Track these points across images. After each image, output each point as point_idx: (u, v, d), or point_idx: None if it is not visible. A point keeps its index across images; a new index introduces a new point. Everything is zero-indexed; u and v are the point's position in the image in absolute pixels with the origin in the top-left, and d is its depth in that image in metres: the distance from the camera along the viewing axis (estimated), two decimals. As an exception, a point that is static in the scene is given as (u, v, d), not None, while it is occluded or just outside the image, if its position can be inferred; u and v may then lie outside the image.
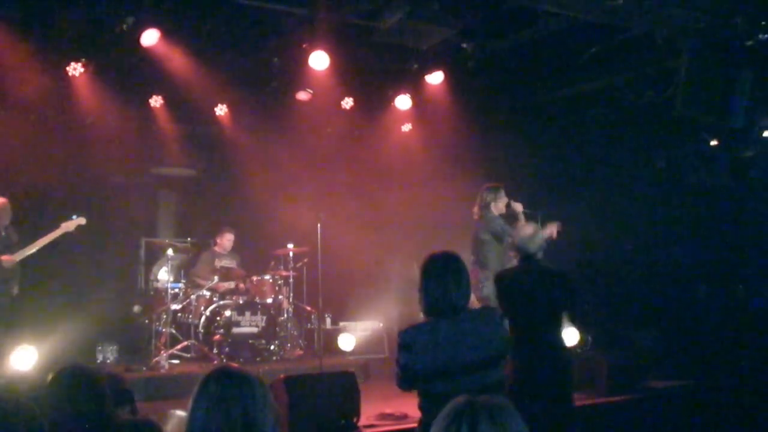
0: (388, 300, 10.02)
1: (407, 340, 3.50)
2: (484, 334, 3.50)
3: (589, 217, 9.20)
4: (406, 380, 3.53)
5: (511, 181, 9.26)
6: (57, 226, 7.56)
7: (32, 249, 7.39)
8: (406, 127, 10.72)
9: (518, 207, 7.04)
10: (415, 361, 3.47)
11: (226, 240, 9.69)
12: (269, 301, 9.22)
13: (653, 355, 7.79)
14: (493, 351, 3.51)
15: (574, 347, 8.49)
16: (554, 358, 4.73)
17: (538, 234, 5.11)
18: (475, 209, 7.18)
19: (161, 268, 9.89)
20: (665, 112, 7.56)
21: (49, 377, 3.06)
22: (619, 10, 6.29)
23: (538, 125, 9.96)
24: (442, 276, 3.52)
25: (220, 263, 9.49)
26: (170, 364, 8.22)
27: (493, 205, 7.06)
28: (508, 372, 3.75)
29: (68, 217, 7.66)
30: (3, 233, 7.41)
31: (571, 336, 8.53)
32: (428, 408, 3.50)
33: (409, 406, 6.46)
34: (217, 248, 9.74)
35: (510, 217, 7.25)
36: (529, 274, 4.95)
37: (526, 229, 5.16)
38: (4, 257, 7.25)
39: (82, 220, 7.73)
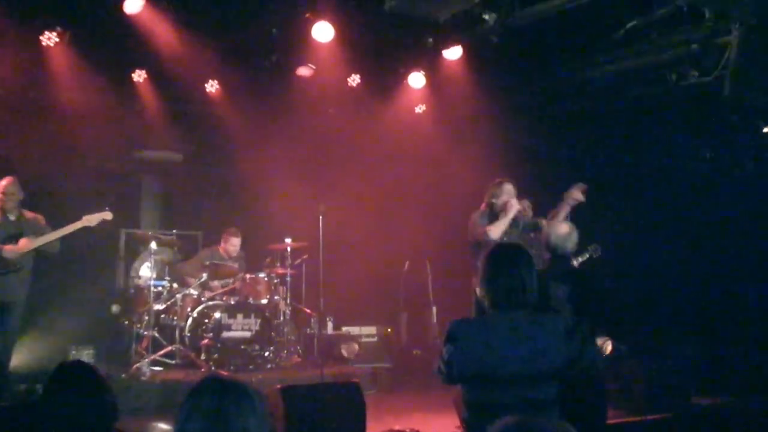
0: (398, 303, 10.00)
1: (454, 332, 3.51)
2: (541, 344, 3.46)
3: (622, 214, 9.16)
4: (449, 377, 3.53)
5: (534, 171, 9.27)
6: (77, 218, 7.44)
7: (43, 241, 7.31)
8: (420, 109, 10.68)
9: (510, 209, 6.92)
10: (456, 357, 3.46)
11: (230, 245, 9.55)
12: (264, 302, 9.20)
13: (696, 367, 7.75)
14: (547, 365, 3.44)
15: (606, 358, 8.49)
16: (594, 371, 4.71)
17: (574, 232, 5.08)
18: (483, 205, 7.17)
19: (143, 263, 9.88)
20: (712, 95, 7.50)
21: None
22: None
23: (567, 109, 9.91)
24: (515, 265, 3.55)
25: (211, 261, 9.42)
26: (152, 371, 8.19)
27: (495, 201, 7.04)
28: None
29: (91, 210, 7.51)
30: (12, 217, 7.35)
31: (604, 345, 8.56)
32: (475, 423, 3.48)
33: (422, 422, 6.46)
34: (220, 249, 9.62)
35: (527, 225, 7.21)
36: (557, 277, 4.93)
37: (561, 227, 5.14)
38: (7, 246, 7.20)
39: (108, 215, 7.57)
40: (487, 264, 3.61)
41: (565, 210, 7.14)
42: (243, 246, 10.01)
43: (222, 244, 9.62)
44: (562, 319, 3.70)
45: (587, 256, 7.60)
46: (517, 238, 6.97)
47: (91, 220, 7.49)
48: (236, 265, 9.52)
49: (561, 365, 3.46)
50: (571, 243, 5.04)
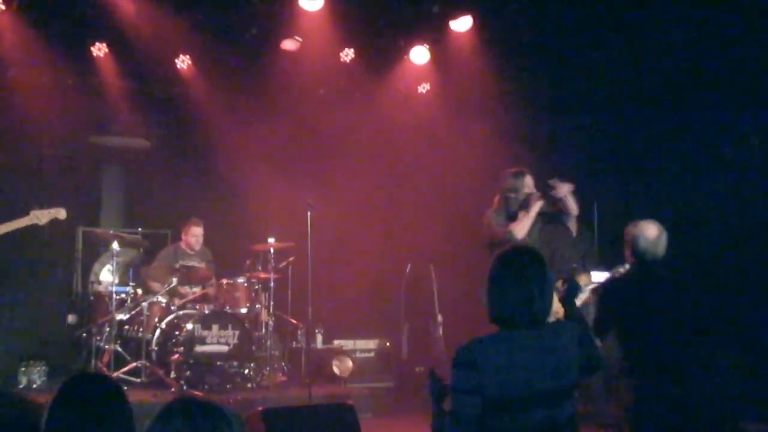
0: (398, 312, 9.98)
1: (473, 355, 3.41)
2: (564, 356, 3.48)
3: (656, 207, 9.12)
4: (465, 420, 3.40)
5: (556, 160, 9.22)
6: (25, 213, 7.29)
7: None
8: (423, 88, 10.67)
9: (534, 204, 6.92)
10: (484, 383, 3.39)
11: (192, 235, 9.62)
12: (243, 311, 9.19)
13: (744, 387, 7.72)
14: (572, 379, 3.49)
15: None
16: (691, 395, 4.78)
17: (664, 234, 5.11)
18: (496, 200, 7.16)
19: (104, 266, 9.85)
20: (763, 70, 7.48)
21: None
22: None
23: (592, 88, 9.88)
24: (524, 278, 3.51)
25: (184, 263, 9.41)
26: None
27: (513, 195, 7.02)
28: (617, 410, 3.75)
29: (41, 204, 7.36)
30: None
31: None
32: None
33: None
34: (182, 244, 9.69)
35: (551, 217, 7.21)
36: (651, 284, 5.01)
37: (650, 228, 5.16)
38: None
39: (61, 213, 7.42)
40: (492, 273, 3.58)
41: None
42: (219, 247, 9.99)
43: (183, 237, 9.66)
44: (572, 324, 3.75)
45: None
46: (537, 233, 6.97)
47: (40, 216, 7.34)
48: (203, 265, 9.54)
49: (577, 374, 3.52)
50: (662, 246, 5.08)
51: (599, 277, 7.38)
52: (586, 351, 3.58)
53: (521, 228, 6.80)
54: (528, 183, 7.00)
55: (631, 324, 4.90)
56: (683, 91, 9.15)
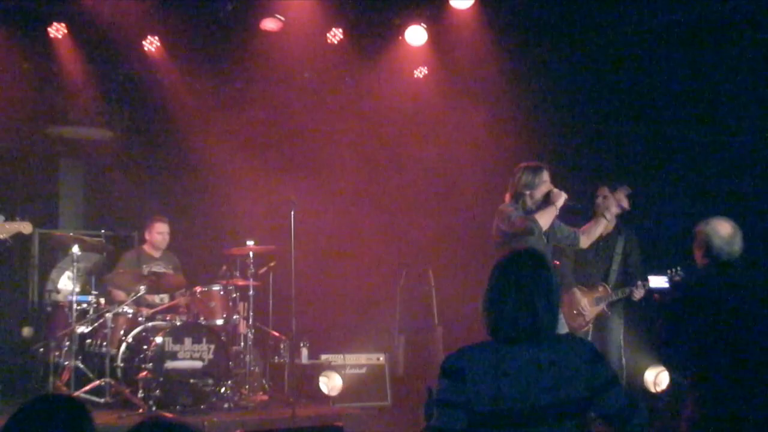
0: (393, 323, 9.97)
1: (457, 364, 3.45)
2: (568, 371, 3.46)
3: (683, 203, 9.13)
4: (452, 423, 3.43)
5: (570, 153, 9.22)
6: None
7: None
8: (420, 72, 10.67)
9: (559, 198, 6.97)
10: (468, 395, 3.41)
11: (156, 233, 9.62)
12: (219, 322, 9.15)
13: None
14: (575, 396, 3.46)
15: (662, 394, 8.49)
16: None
17: (739, 232, 5.13)
18: (507, 197, 7.15)
19: (63, 273, 9.82)
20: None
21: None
22: None
23: (606, 73, 9.89)
24: (525, 286, 3.50)
25: (148, 268, 9.42)
26: (75, 412, 8.11)
27: (528, 193, 7.02)
28: (683, 425, 3.75)
29: (2, 216, 7.45)
30: None
31: (658, 378, 8.57)
32: None
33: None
34: (145, 246, 9.69)
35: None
36: (729, 288, 5.02)
37: (724, 226, 5.17)
38: None
39: (27, 227, 7.50)
40: (490, 279, 3.59)
41: (601, 225, 7.24)
42: (192, 251, 9.98)
43: (147, 237, 9.65)
44: (586, 341, 3.77)
45: (665, 283, 7.57)
46: (551, 244, 7.00)
47: (3, 231, 7.46)
48: (170, 270, 9.54)
49: (585, 394, 3.48)
50: (738, 245, 5.09)
51: (656, 282, 7.41)
52: (599, 370, 3.53)
53: (547, 218, 6.80)
54: (546, 179, 6.99)
55: (707, 332, 4.88)
56: (719, 74, 9.16)
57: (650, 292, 7.58)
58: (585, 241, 7.10)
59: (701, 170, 9.28)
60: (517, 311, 3.48)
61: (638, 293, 7.70)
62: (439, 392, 3.47)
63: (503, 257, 3.64)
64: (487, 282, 3.58)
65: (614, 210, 7.66)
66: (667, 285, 7.16)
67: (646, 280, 7.65)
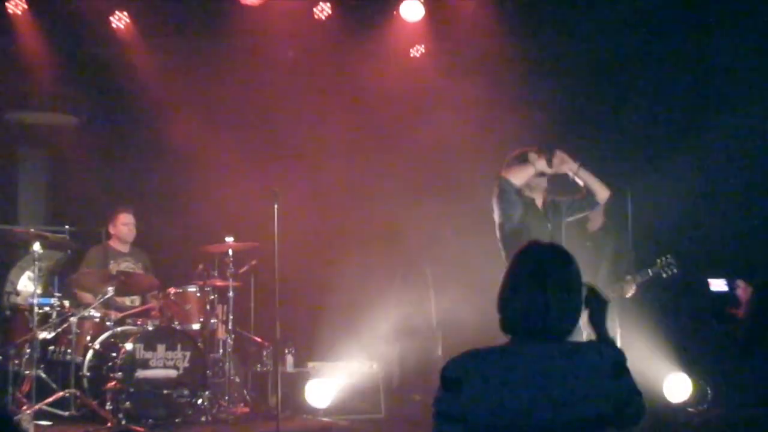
0: (388, 328, 9.96)
1: (454, 374, 3.41)
2: (583, 383, 3.41)
3: (702, 194, 9.14)
4: None
5: (576, 139, 9.20)
6: None
7: None
8: (417, 50, 10.71)
9: (537, 160, 6.96)
10: (464, 408, 3.37)
11: (121, 224, 9.61)
12: (196, 327, 9.17)
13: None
14: (591, 414, 3.41)
15: (685, 404, 8.48)
16: None
17: None
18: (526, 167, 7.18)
19: (23, 273, 9.74)
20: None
21: None
22: None
23: (623, 49, 9.88)
24: (541, 281, 3.47)
25: (117, 265, 9.41)
26: (37, 426, 8.09)
27: (512, 176, 7.05)
28: None
29: None
30: None
31: (678, 386, 8.56)
32: None
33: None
34: (111, 242, 9.65)
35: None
36: None
37: None
38: None
39: None
40: (507, 271, 3.58)
41: (588, 175, 7.19)
42: (166, 248, 9.94)
43: (111, 231, 9.65)
44: (608, 349, 3.64)
45: (650, 274, 7.60)
46: (558, 226, 7.00)
47: None
48: (139, 267, 9.54)
49: (607, 412, 3.44)
50: None
51: (716, 285, 7.42)
52: (623, 384, 3.50)
53: (520, 175, 6.90)
54: (533, 160, 7.02)
55: None
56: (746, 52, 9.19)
57: (713, 297, 7.60)
58: (602, 193, 7.09)
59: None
60: (530, 304, 3.46)
61: (629, 289, 7.74)
62: (437, 402, 3.44)
63: (522, 248, 3.63)
64: (504, 274, 3.57)
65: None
66: (726, 288, 7.15)
67: (636, 274, 7.70)
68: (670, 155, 9.40)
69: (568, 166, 7.08)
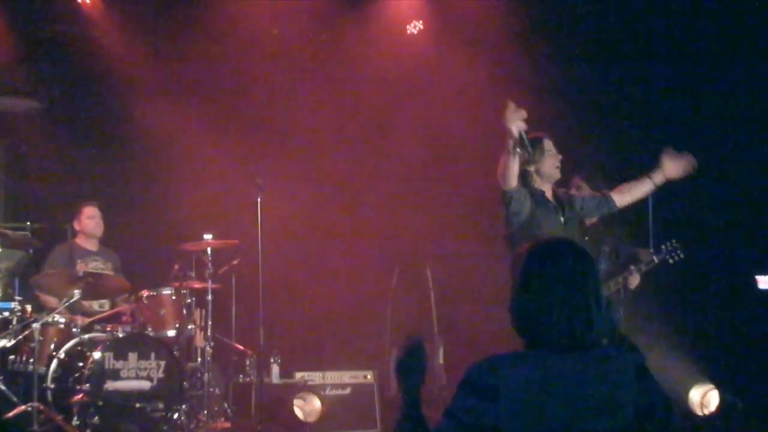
0: (383, 334, 9.97)
1: (490, 380, 3.37)
2: (617, 390, 3.41)
3: (724, 182, 9.16)
4: None
5: (591, 125, 9.20)
6: None
7: None
8: (414, 27, 10.71)
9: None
10: (499, 419, 3.34)
11: (86, 218, 9.57)
12: (171, 333, 9.13)
13: None
14: (625, 423, 3.40)
15: (710, 416, 8.48)
16: None
17: None
18: (502, 157, 7.17)
19: (-21, 275, 9.73)
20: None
21: None
22: None
23: (636, 24, 9.88)
24: (575, 282, 3.45)
25: (84, 267, 9.37)
26: (-4, 443, 8.10)
27: (533, 169, 7.04)
28: None
29: None
30: None
31: (706, 398, 8.55)
32: None
33: None
34: (78, 240, 9.63)
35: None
36: None
37: None
38: None
39: None
40: (522, 272, 3.53)
41: (644, 186, 7.16)
42: (138, 247, 9.92)
43: (77, 227, 9.63)
44: (630, 354, 3.67)
45: (655, 261, 7.61)
46: (573, 221, 7.00)
47: None
48: (109, 267, 9.55)
49: (630, 419, 3.46)
50: None
51: (766, 282, 7.43)
52: (645, 389, 3.51)
53: (509, 171, 6.74)
54: (550, 148, 7.04)
55: None
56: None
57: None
58: (621, 200, 7.09)
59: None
60: (556, 311, 3.42)
61: (633, 280, 7.75)
62: (460, 410, 3.39)
63: (538, 246, 3.60)
64: (519, 279, 3.52)
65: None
66: None
67: (640, 263, 7.72)
68: (706, 142, 9.38)
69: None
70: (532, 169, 6.98)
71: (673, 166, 6.99)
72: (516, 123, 6.57)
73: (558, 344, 3.42)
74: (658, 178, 7.06)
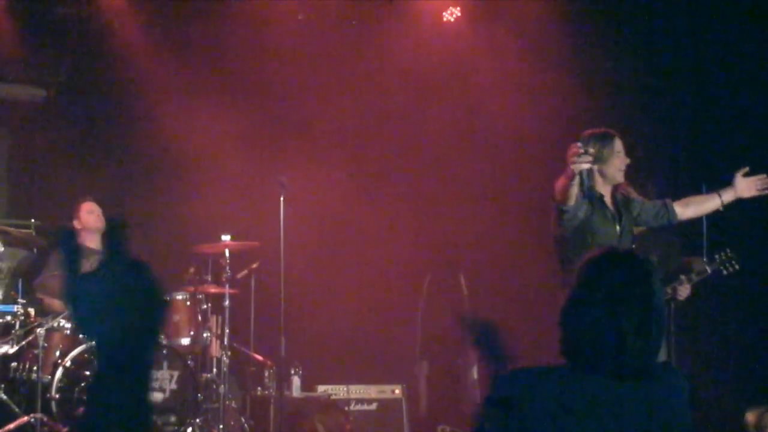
0: (414, 346, 10.04)
1: (504, 391, 3.42)
2: (666, 417, 3.38)
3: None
4: None
5: (642, 119, 9.17)
6: None
7: None
8: (451, 14, 10.66)
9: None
10: (512, 430, 3.36)
11: (85, 213, 9.55)
12: (185, 342, 9.19)
13: None
14: None
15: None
16: None
17: None
18: (561, 180, 7.11)
19: (-20, 276, 9.78)
20: None
21: None
22: None
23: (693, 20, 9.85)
24: (617, 299, 3.39)
25: (90, 265, 9.32)
26: (-4, 457, 8.15)
27: (596, 169, 7.00)
28: None
29: None
30: None
31: (764, 420, 8.52)
32: None
33: None
34: (81, 239, 9.57)
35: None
36: None
37: None
38: None
39: None
40: (574, 287, 3.51)
41: (712, 202, 7.15)
42: (150, 249, 9.91)
43: (77, 225, 9.59)
44: (677, 377, 3.62)
45: (708, 272, 7.56)
46: (629, 229, 6.98)
47: None
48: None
49: None
50: None
51: None
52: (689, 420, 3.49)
53: (570, 194, 6.70)
54: (619, 149, 7.00)
55: None
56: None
57: None
58: (684, 212, 7.09)
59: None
60: (603, 333, 3.38)
61: (684, 291, 7.70)
62: (485, 418, 3.46)
63: (592, 258, 3.56)
64: (575, 293, 3.49)
65: None
66: None
67: (691, 273, 7.66)
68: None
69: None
70: (595, 168, 6.97)
71: (746, 186, 7.00)
72: (581, 167, 6.58)
73: (584, 364, 3.40)
74: (727, 196, 7.07)
